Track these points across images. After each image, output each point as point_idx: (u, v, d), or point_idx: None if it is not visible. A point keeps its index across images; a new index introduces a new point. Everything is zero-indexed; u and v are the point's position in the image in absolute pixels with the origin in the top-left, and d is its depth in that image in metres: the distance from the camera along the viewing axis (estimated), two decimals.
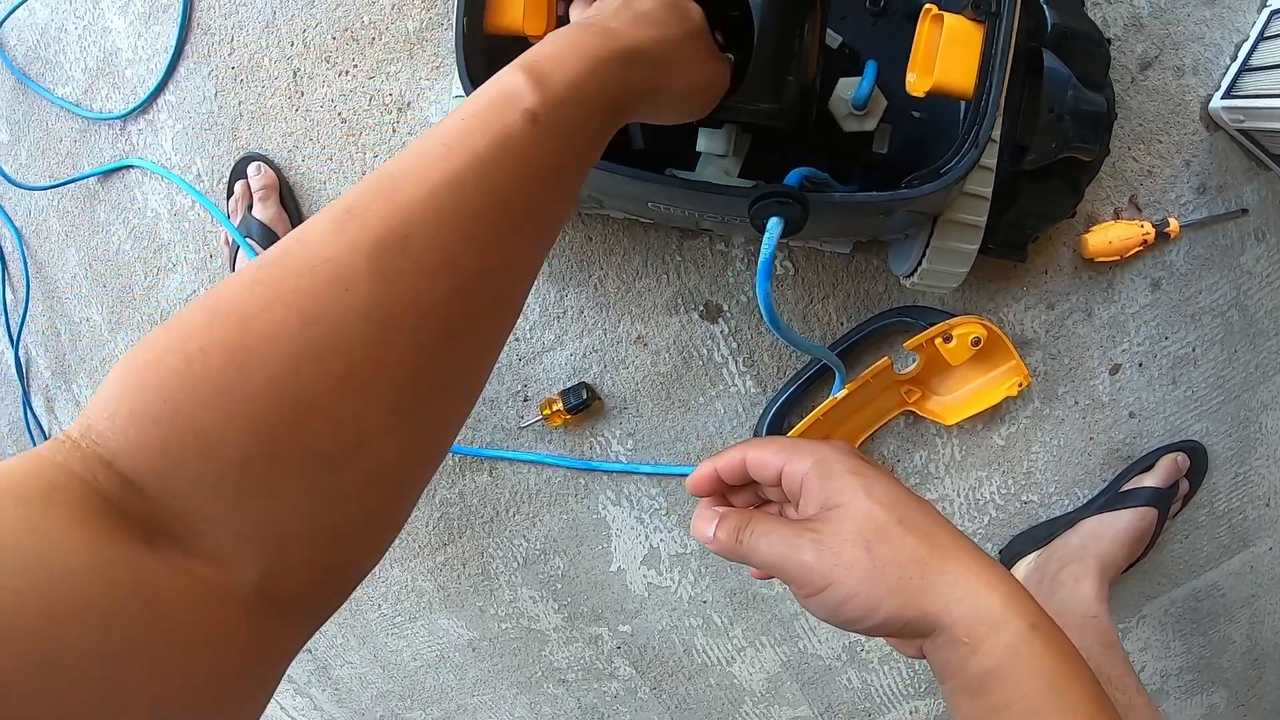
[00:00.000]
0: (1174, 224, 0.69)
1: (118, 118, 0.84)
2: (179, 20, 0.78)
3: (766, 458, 0.41)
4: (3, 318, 0.98)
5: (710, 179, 0.57)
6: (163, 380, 0.23)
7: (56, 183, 0.88)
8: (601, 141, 0.34)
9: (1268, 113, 0.64)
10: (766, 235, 0.46)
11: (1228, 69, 0.69)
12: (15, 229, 0.94)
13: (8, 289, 0.98)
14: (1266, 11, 0.68)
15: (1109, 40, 0.67)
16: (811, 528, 0.37)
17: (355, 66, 0.75)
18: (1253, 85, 0.67)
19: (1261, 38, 0.68)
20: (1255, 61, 0.68)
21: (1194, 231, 0.70)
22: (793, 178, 0.49)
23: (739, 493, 0.45)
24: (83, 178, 0.87)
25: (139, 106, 0.83)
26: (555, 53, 0.32)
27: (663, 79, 0.37)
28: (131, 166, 0.85)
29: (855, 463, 0.39)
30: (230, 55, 0.78)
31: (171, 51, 0.80)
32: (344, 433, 0.24)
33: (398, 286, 0.25)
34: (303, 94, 0.77)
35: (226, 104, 0.80)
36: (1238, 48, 0.69)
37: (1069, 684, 0.34)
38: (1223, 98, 0.68)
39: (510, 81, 0.30)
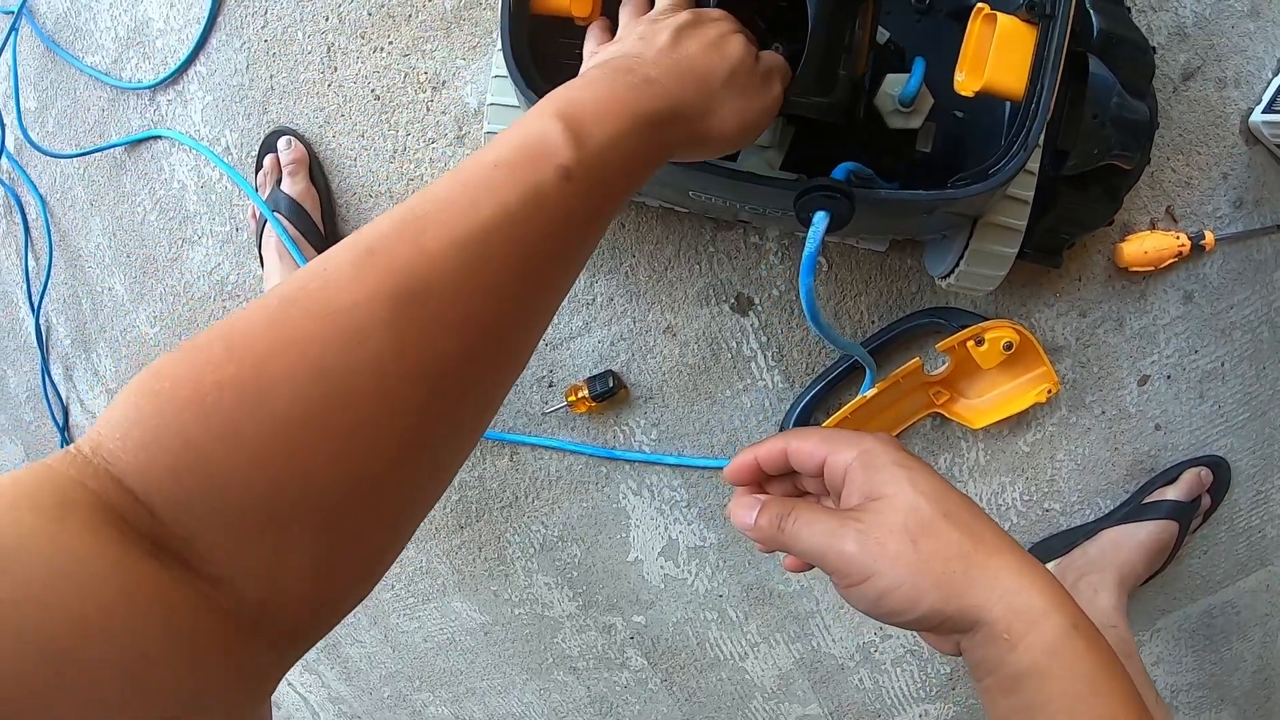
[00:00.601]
0: (1209, 237, 0.69)
1: (147, 88, 0.84)
2: None
3: (809, 448, 0.41)
4: (24, 284, 0.98)
5: (752, 169, 0.56)
6: (176, 412, 0.23)
7: (83, 151, 0.88)
8: (630, 195, 0.34)
9: None
10: (812, 229, 0.45)
11: (1269, 83, 0.68)
12: (40, 196, 0.94)
13: (30, 256, 0.97)
14: None
15: (1154, 49, 0.66)
16: (855, 518, 0.37)
17: (390, 43, 0.75)
18: None
19: None
20: None
21: (1229, 245, 0.70)
22: (839, 172, 0.48)
23: (776, 483, 0.45)
24: (110, 147, 0.87)
25: (169, 77, 0.82)
26: (595, 106, 0.32)
27: (702, 130, 0.37)
28: (159, 137, 0.85)
29: (900, 455, 0.39)
30: (263, 28, 0.78)
31: (204, 22, 0.79)
32: (347, 478, 0.24)
33: (414, 341, 0.25)
34: (336, 69, 0.77)
35: (258, 77, 0.80)
36: None
37: (1107, 686, 0.33)
38: (1263, 112, 0.67)
39: (546, 131, 0.30)
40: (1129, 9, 0.67)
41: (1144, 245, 0.69)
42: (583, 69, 0.42)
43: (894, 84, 0.56)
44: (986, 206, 0.58)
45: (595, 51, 0.44)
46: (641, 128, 0.33)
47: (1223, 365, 0.73)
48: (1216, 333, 0.72)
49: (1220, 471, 0.77)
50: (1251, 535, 0.81)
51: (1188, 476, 0.75)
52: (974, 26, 0.50)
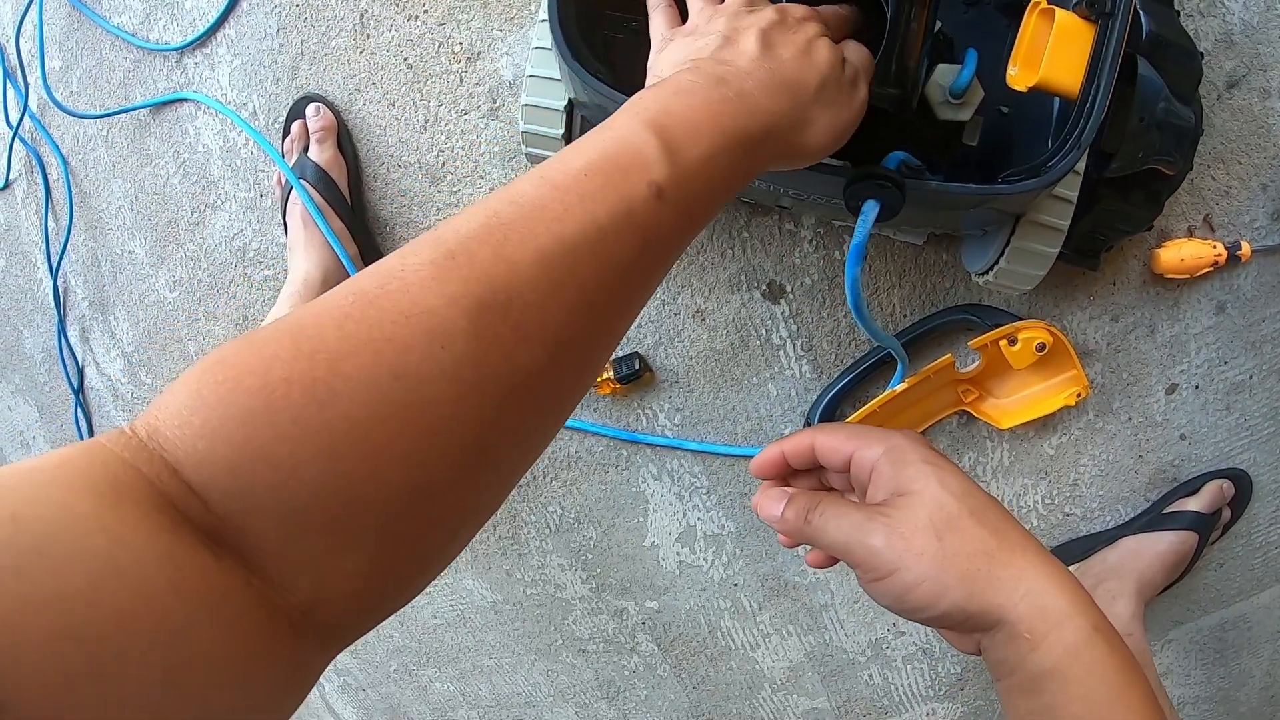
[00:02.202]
0: (1246, 247, 0.68)
1: (174, 50, 0.83)
2: None
3: (836, 443, 0.41)
4: (44, 245, 0.97)
5: None
6: (241, 403, 0.22)
7: (108, 112, 0.87)
8: (718, 211, 0.34)
9: None
10: (861, 218, 0.45)
11: None
12: (62, 156, 0.93)
13: (51, 217, 0.97)
14: None
15: (1202, 54, 0.65)
16: (883, 513, 0.37)
17: (426, 12, 0.74)
18: None
19: None
20: None
21: (1265, 257, 0.69)
22: (891, 161, 0.48)
23: (801, 478, 0.45)
24: (135, 108, 0.86)
25: (197, 39, 0.81)
26: (690, 120, 0.31)
27: (794, 144, 0.37)
28: (185, 100, 0.84)
29: (928, 452, 0.39)
30: None
31: None
32: (413, 488, 0.24)
33: (494, 352, 0.25)
34: (369, 36, 0.76)
35: (288, 42, 0.79)
36: None
37: (1127, 690, 0.33)
38: None
39: (640, 143, 0.30)
40: (1178, 13, 0.66)
41: (1181, 253, 0.68)
42: (658, 59, 0.41)
43: (945, 75, 0.55)
44: (1031, 204, 0.57)
45: (669, 38, 0.42)
46: (735, 147, 0.32)
47: (1251, 378, 0.73)
48: (1247, 345, 0.72)
49: (1242, 485, 0.76)
50: (1269, 551, 0.80)
51: (1210, 488, 0.74)
52: (1030, 20, 0.50)
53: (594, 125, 0.61)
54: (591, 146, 0.30)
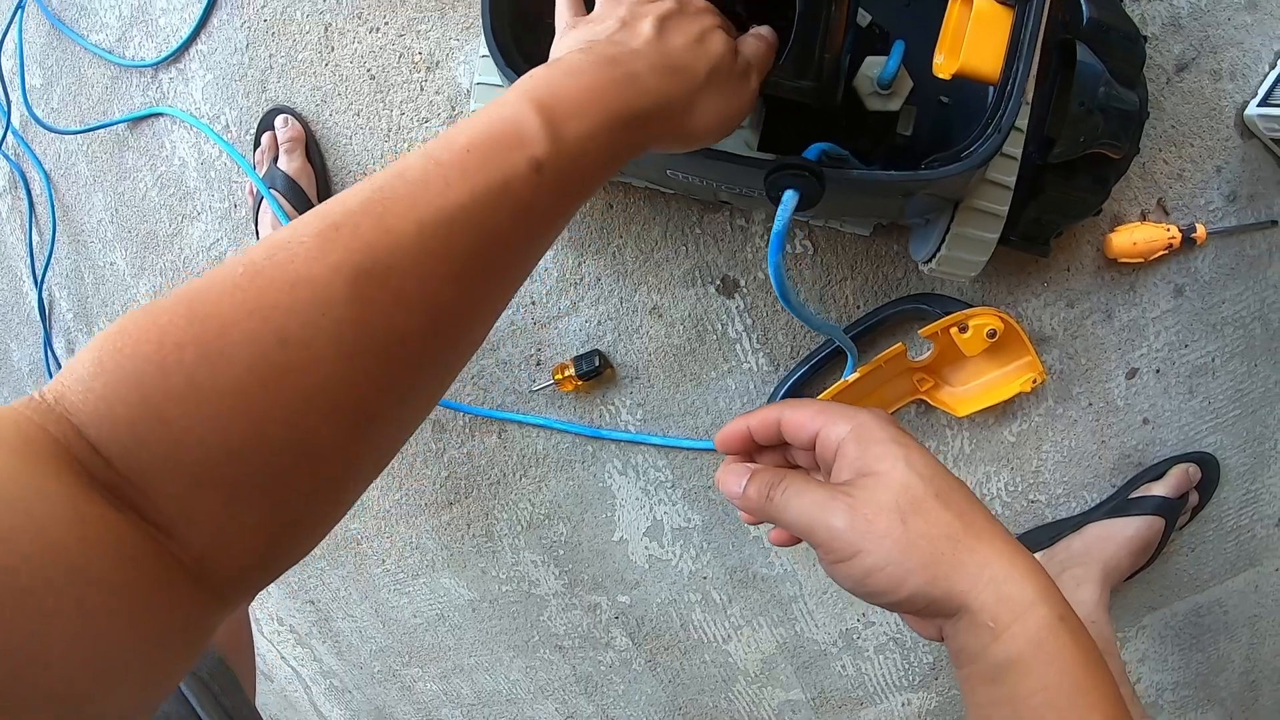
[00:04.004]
0: (1201, 230, 0.68)
1: (149, 66, 0.85)
2: None
3: (803, 419, 0.40)
4: (28, 258, 1.00)
5: (729, 149, 0.57)
6: (137, 367, 0.24)
7: (87, 127, 0.90)
8: (599, 186, 0.34)
9: None
10: (780, 207, 0.45)
11: (1265, 76, 0.67)
12: (44, 171, 0.95)
13: (34, 230, 0.99)
14: None
15: (1145, 38, 0.66)
16: (846, 492, 0.36)
17: (386, 24, 0.75)
18: None
19: None
20: None
21: (1221, 240, 0.69)
22: (812, 152, 0.48)
23: (767, 454, 0.44)
24: (113, 124, 0.88)
25: (171, 55, 0.84)
26: (575, 97, 0.32)
27: (680, 128, 0.37)
28: (161, 114, 0.86)
29: (895, 431, 0.38)
30: (263, 7, 0.79)
31: (205, 1, 0.80)
32: (301, 445, 0.25)
33: (373, 317, 0.26)
34: (333, 49, 0.78)
35: (257, 56, 0.81)
36: (1277, 55, 0.67)
37: (1090, 682, 0.32)
38: (1258, 105, 0.67)
39: (522, 119, 0.30)
40: None
41: (1133, 236, 0.68)
42: (559, 44, 0.42)
43: (873, 66, 0.56)
44: (966, 190, 0.58)
45: (572, 24, 0.43)
46: (619, 125, 0.33)
47: (1213, 361, 0.73)
48: (1208, 327, 0.72)
49: (1209, 469, 0.76)
50: (1240, 534, 0.80)
51: (1176, 472, 0.74)
52: (953, 8, 0.50)
53: None
54: (477, 123, 0.31)
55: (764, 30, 0.46)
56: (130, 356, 0.24)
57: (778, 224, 0.46)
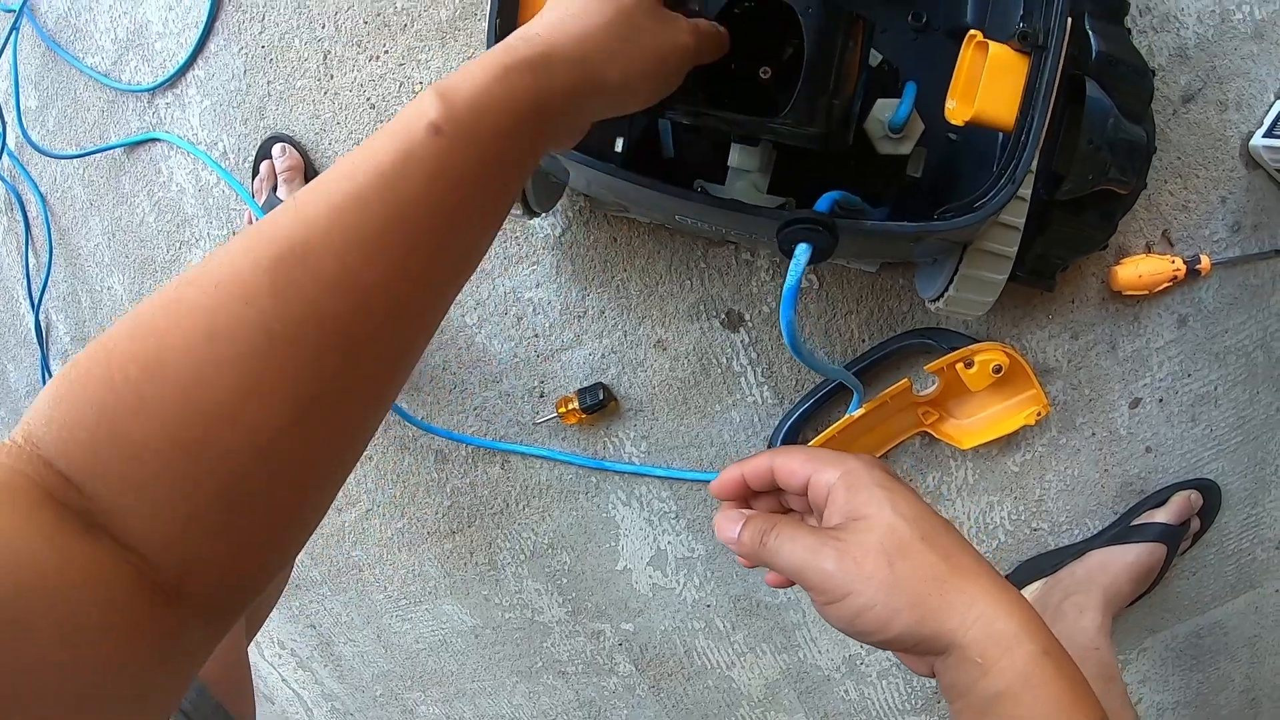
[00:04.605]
0: (1205, 261, 0.68)
1: (146, 90, 0.84)
2: None
3: (794, 466, 0.41)
4: (25, 281, 0.99)
5: (739, 193, 0.56)
6: (90, 392, 0.25)
7: (83, 152, 0.89)
8: (525, 152, 0.33)
9: None
10: (793, 262, 0.45)
11: (1271, 106, 0.67)
12: (40, 194, 0.94)
13: (31, 253, 0.98)
14: None
15: (1153, 71, 0.65)
16: (835, 536, 0.38)
17: (386, 52, 0.75)
18: None
19: None
20: None
21: (1225, 270, 0.69)
22: (824, 203, 0.48)
23: (761, 499, 0.45)
24: (108, 148, 0.87)
25: (167, 80, 0.82)
26: (464, 68, 0.32)
27: (591, 74, 0.36)
28: (158, 140, 0.85)
29: (882, 476, 0.40)
30: (261, 33, 0.78)
31: (202, 26, 0.79)
32: (247, 438, 0.26)
33: (295, 301, 0.26)
34: (332, 77, 0.77)
35: (255, 82, 0.80)
36: None
37: (1077, 712, 0.34)
38: (1264, 136, 0.67)
39: (419, 100, 0.31)
40: (1129, 30, 0.66)
41: (1138, 269, 0.68)
42: None
43: (884, 109, 0.55)
44: (976, 233, 0.57)
45: None
46: (505, 74, 0.32)
47: (1216, 389, 0.73)
48: (1210, 357, 0.72)
49: (1210, 495, 0.76)
50: (1241, 558, 0.81)
51: (1177, 499, 0.75)
52: (966, 54, 0.50)
53: (542, 169, 0.61)
54: (388, 121, 0.31)
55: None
56: (84, 383, 0.25)
57: (790, 279, 0.46)
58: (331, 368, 0.27)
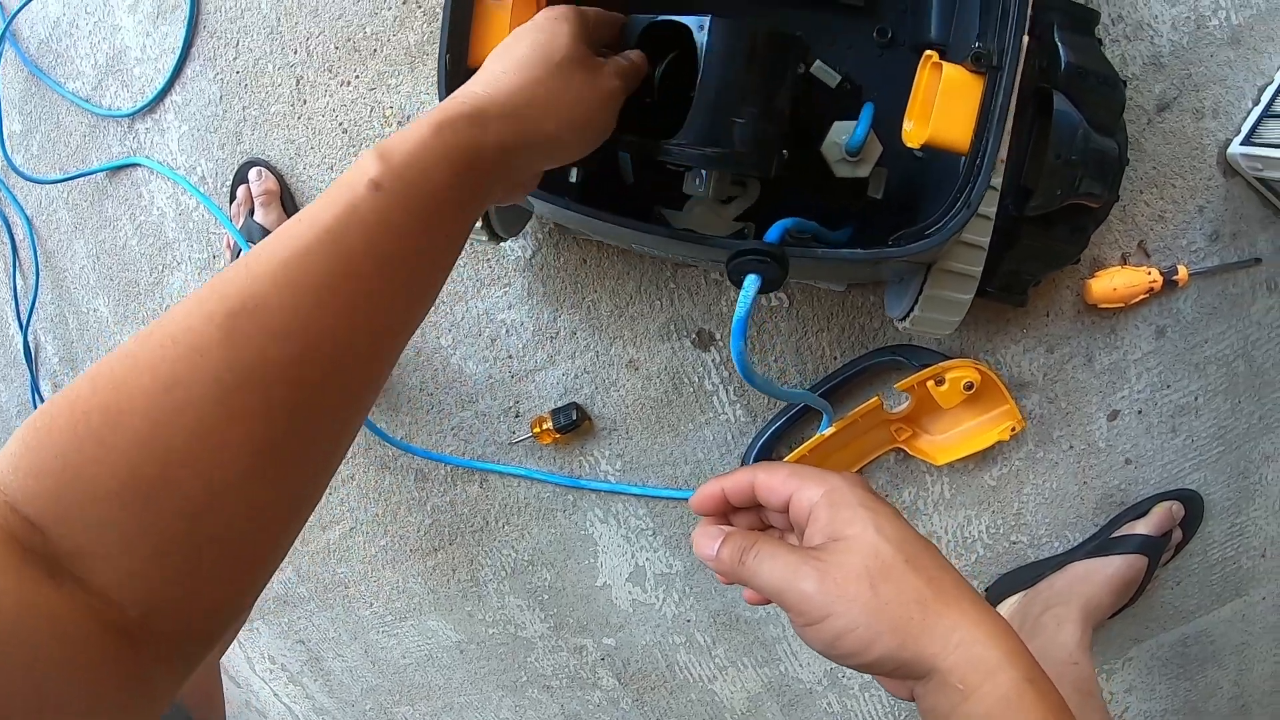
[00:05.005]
0: (1183, 271, 0.67)
1: (126, 115, 0.85)
2: (186, 21, 0.78)
3: (776, 483, 0.41)
4: (13, 303, 1.00)
5: (696, 219, 0.56)
6: (54, 439, 0.26)
7: (66, 176, 0.89)
8: (463, 203, 0.35)
9: None
10: (742, 294, 0.45)
11: (1249, 113, 0.66)
12: (26, 218, 0.95)
13: (19, 275, 0.99)
14: None
15: (1125, 81, 0.64)
16: (816, 556, 0.37)
17: (357, 77, 0.75)
18: (1274, 133, 0.64)
19: None
20: (1278, 108, 0.65)
21: (1204, 280, 0.69)
22: (774, 232, 0.48)
23: (742, 515, 0.44)
24: (90, 173, 0.88)
25: (146, 105, 0.83)
26: (405, 128, 0.34)
27: (525, 127, 0.38)
28: (138, 165, 0.86)
29: (865, 496, 0.39)
30: (235, 59, 0.78)
31: (179, 52, 0.80)
32: (205, 483, 0.27)
33: (246, 351, 0.28)
34: (305, 102, 0.77)
35: (231, 108, 0.80)
36: (1261, 91, 0.66)
37: None
38: (1242, 143, 0.66)
39: (361, 161, 0.33)
40: (1100, 41, 0.65)
41: (1113, 282, 0.67)
42: None
43: (840, 132, 0.55)
44: (939, 253, 0.57)
45: None
46: (441, 130, 0.34)
47: (1196, 400, 0.72)
48: (1190, 367, 0.71)
49: (1193, 505, 0.76)
50: (1226, 567, 0.80)
51: (1159, 510, 0.74)
52: (922, 74, 0.49)
53: None
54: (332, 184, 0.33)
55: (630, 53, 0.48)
56: (48, 431, 0.26)
57: (739, 310, 0.45)
58: (283, 412, 0.29)
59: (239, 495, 0.28)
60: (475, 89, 0.38)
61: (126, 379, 0.27)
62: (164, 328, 0.28)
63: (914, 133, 0.50)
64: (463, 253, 0.76)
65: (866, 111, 0.54)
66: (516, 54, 0.40)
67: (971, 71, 0.48)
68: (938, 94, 0.48)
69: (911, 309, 0.60)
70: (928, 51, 0.50)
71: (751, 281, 0.45)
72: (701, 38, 0.43)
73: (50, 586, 0.25)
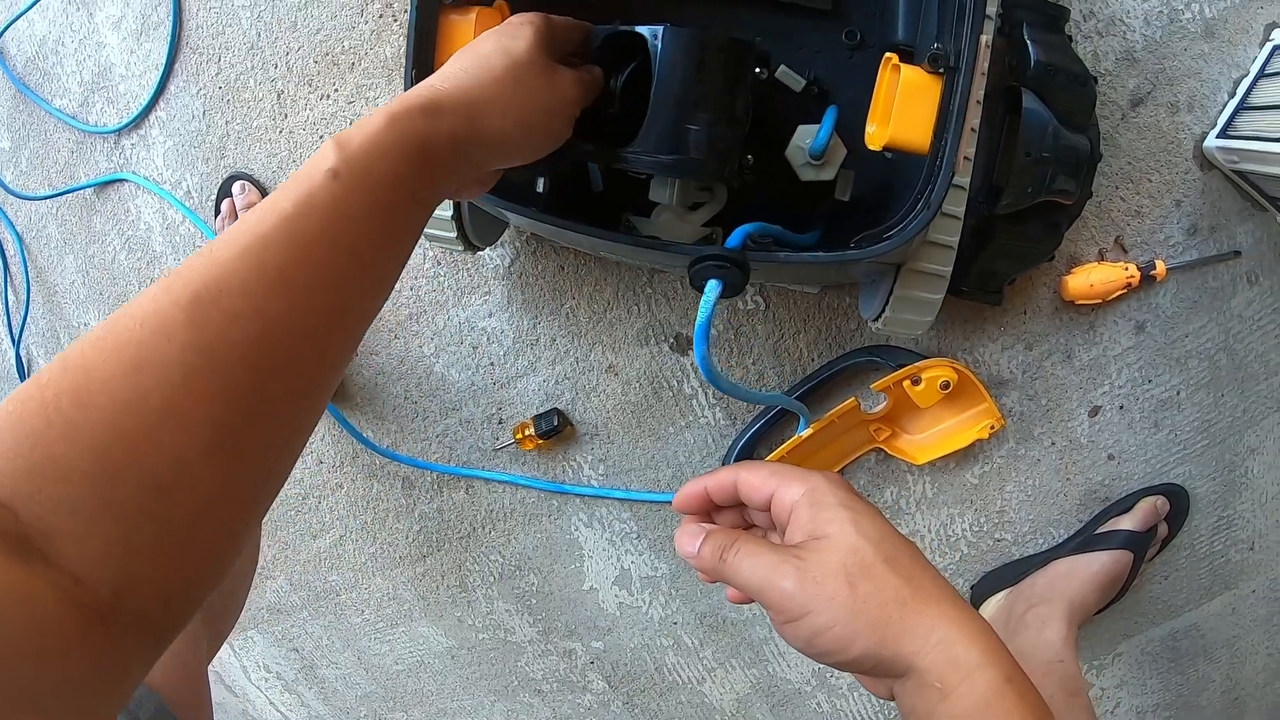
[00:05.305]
0: (1160, 266, 0.67)
1: (112, 132, 0.86)
2: (169, 38, 0.79)
3: (758, 481, 0.41)
4: (5, 318, 1.01)
5: (663, 226, 0.56)
6: (25, 422, 0.27)
7: (54, 193, 0.91)
8: (416, 193, 0.36)
9: (1265, 156, 0.62)
10: (703, 299, 0.45)
11: (1225, 106, 0.66)
12: (16, 233, 0.97)
13: (10, 290, 1.00)
14: (1269, 46, 0.66)
15: (1095, 78, 0.64)
16: (796, 555, 0.37)
17: (336, 90, 0.76)
18: (1250, 126, 0.64)
19: (1262, 74, 0.65)
20: (1254, 100, 0.65)
21: (1182, 274, 0.69)
22: (735, 238, 0.48)
23: (724, 514, 0.45)
24: (78, 189, 0.89)
25: (132, 121, 0.84)
26: (363, 118, 0.35)
27: (478, 123, 0.38)
28: (125, 180, 0.87)
29: (846, 495, 0.39)
30: (217, 75, 0.79)
31: (162, 69, 0.81)
32: (170, 460, 0.28)
33: (209, 334, 0.29)
34: (286, 116, 0.78)
35: (214, 123, 0.81)
36: (1236, 84, 0.66)
37: None
38: (1218, 136, 0.66)
39: (321, 149, 0.34)
40: (1070, 38, 0.65)
41: (1090, 278, 0.67)
42: None
43: (804, 135, 0.55)
44: (908, 254, 0.57)
45: None
46: (395, 121, 0.35)
47: (1178, 394, 0.72)
48: (1171, 362, 0.71)
49: (1178, 500, 0.76)
50: (1214, 560, 0.80)
51: (1143, 506, 0.74)
52: (883, 76, 0.50)
53: (480, 207, 0.62)
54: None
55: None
56: (19, 415, 0.27)
57: (701, 315, 0.46)
58: (245, 393, 0.30)
59: (204, 473, 0.29)
60: (435, 82, 0.39)
61: (95, 363, 0.28)
62: (131, 312, 0.29)
63: (876, 135, 0.50)
64: (442, 262, 0.77)
65: (829, 115, 0.55)
66: (477, 52, 0.41)
67: (929, 73, 0.48)
68: (897, 96, 0.48)
69: (883, 310, 0.60)
70: (888, 54, 0.50)
71: (712, 287, 0.46)
72: (655, 45, 0.43)
73: (21, 567, 0.25)
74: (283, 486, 0.34)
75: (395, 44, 0.73)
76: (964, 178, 0.55)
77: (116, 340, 0.28)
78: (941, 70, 0.48)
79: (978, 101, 0.54)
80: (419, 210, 0.37)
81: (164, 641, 0.30)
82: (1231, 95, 0.66)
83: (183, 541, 0.29)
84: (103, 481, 0.27)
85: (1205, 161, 0.67)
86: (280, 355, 0.31)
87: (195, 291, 0.29)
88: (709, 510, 0.44)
